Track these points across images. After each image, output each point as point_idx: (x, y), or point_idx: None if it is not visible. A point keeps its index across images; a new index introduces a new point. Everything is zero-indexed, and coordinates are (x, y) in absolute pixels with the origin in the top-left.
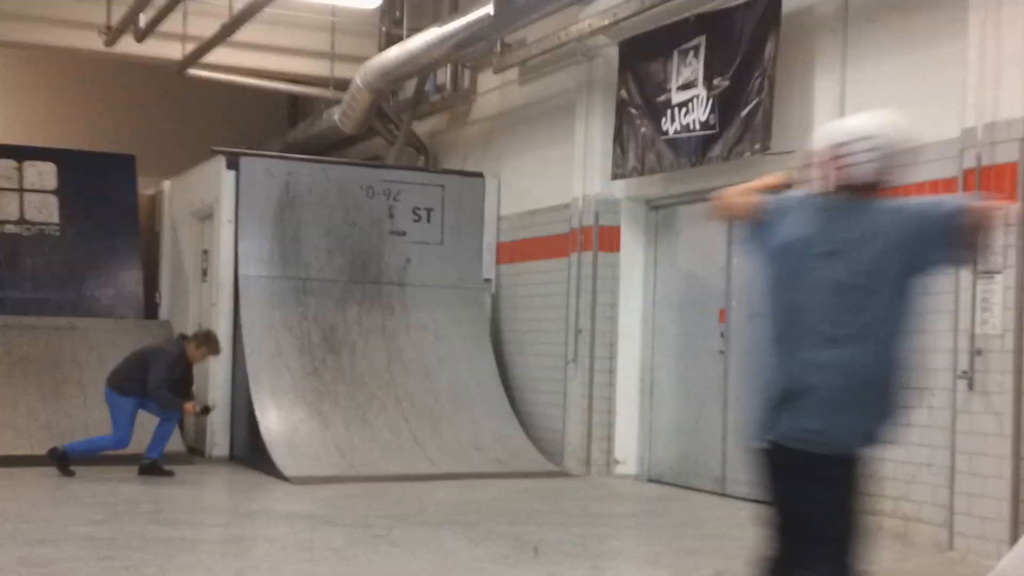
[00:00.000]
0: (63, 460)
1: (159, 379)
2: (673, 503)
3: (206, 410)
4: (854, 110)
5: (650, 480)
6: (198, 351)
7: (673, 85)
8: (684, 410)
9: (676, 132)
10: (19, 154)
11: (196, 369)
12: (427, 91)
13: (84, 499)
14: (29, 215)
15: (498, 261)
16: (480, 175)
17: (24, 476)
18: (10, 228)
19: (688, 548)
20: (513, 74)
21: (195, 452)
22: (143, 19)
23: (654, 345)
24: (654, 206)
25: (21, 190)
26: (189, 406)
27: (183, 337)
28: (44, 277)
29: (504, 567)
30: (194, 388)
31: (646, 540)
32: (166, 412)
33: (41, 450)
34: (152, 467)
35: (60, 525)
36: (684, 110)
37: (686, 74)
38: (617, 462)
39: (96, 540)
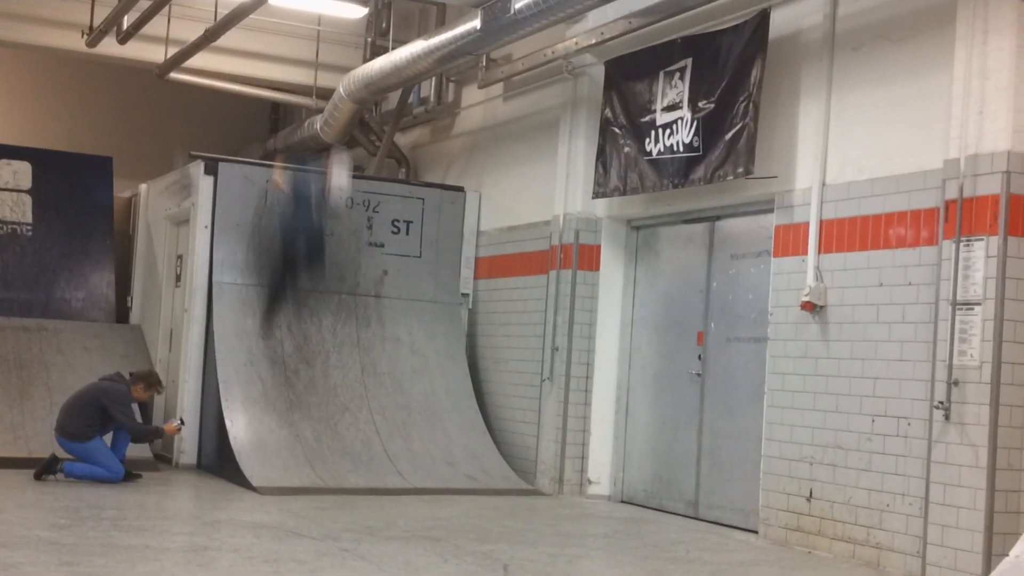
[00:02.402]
0: (48, 468)
1: (133, 420)
2: (645, 525)
3: (181, 424)
4: (838, 137)
5: (623, 501)
6: (147, 392)
7: (658, 106)
8: (659, 432)
9: (659, 153)
10: None
11: (167, 376)
12: (411, 103)
13: (47, 503)
14: (1, 214)
15: (476, 276)
16: (461, 189)
17: None
18: None
19: (659, 570)
20: (498, 89)
21: (162, 459)
22: (126, 21)
23: (631, 365)
24: (635, 226)
25: None
26: (170, 427)
27: (126, 376)
28: (14, 277)
29: None
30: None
31: (617, 561)
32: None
33: (5, 453)
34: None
35: (22, 528)
36: (668, 131)
37: (671, 95)
38: (590, 482)
39: (58, 545)
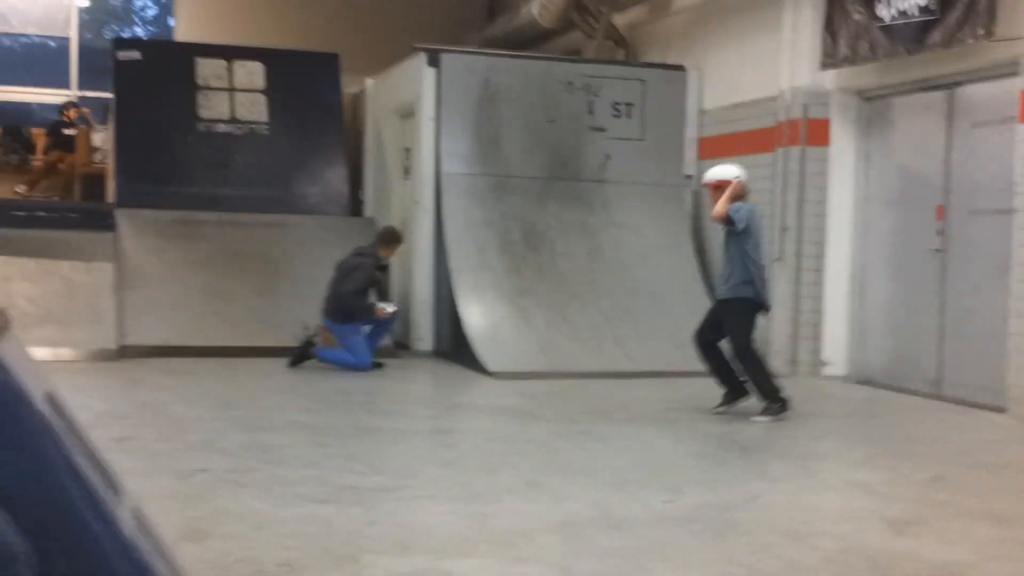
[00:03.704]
0: (302, 356)
1: (353, 290)
2: (885, 405)
3: (395, 313)
4: None
5: (859, 382)
6: (392, 249)
7: None
8: (897, 310)
9: (892, 18)
10: (228, 53)
11: (400, 265)
12: None
13: (300, 390)
14: (239, 114)
15: (700, 157)
16: (681, 68)
17: (243, 366)
18: (222, 127)
19: (903, 451)
20: None
21: (401, 346)
22: None
23: (865, 243)
24: (867, 97)
25: (231, 89)
26: (379, 310)
27: (373, 246)
28: (255, 175)
29: (711, 464)
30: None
31: (858, 442)
32: (376, 326)
33: (258, 342)
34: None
35: (279, 413)
36: None
37: None
38: (824, 363)
39: (312, 428)
